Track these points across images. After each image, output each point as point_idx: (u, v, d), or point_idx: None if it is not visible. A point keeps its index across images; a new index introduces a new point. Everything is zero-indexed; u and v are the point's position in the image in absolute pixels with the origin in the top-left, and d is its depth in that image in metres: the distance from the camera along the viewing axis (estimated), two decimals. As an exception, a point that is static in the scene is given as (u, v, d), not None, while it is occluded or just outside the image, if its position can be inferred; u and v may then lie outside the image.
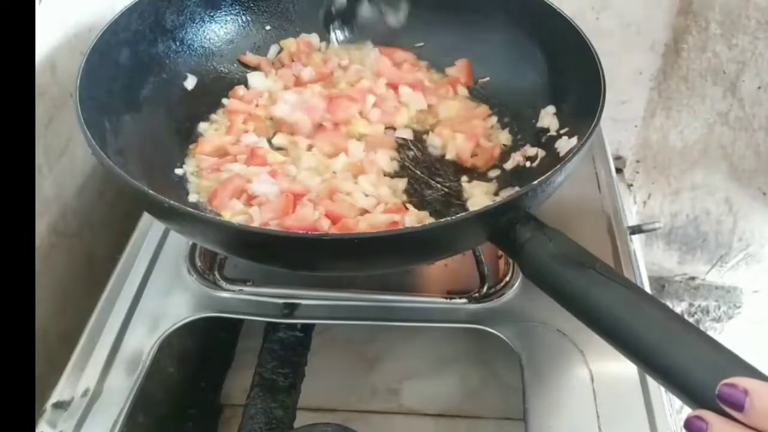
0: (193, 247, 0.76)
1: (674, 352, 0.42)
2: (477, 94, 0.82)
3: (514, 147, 0.76)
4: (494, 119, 0.79)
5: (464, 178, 0.73)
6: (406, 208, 0.68)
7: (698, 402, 0.40)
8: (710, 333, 0.42)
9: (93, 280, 0.74)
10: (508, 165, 0.74)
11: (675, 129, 1.21)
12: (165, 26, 0.76)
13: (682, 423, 0.40)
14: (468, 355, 0.83)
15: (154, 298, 0.71)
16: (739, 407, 0.37)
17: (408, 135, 0.78)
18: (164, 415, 0.75)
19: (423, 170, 0.75)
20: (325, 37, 0.86)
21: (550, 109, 0.74)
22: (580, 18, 0.71)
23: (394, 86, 0.81)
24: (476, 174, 0.74)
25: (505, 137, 0.77)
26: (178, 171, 0.72)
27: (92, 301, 0.70)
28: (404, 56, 0.85)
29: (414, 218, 0.67)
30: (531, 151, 0.73)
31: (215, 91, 0.80)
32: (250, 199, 0.67)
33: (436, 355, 0.84)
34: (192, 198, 0.69)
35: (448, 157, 0.76)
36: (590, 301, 0.47)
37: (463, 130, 0.76)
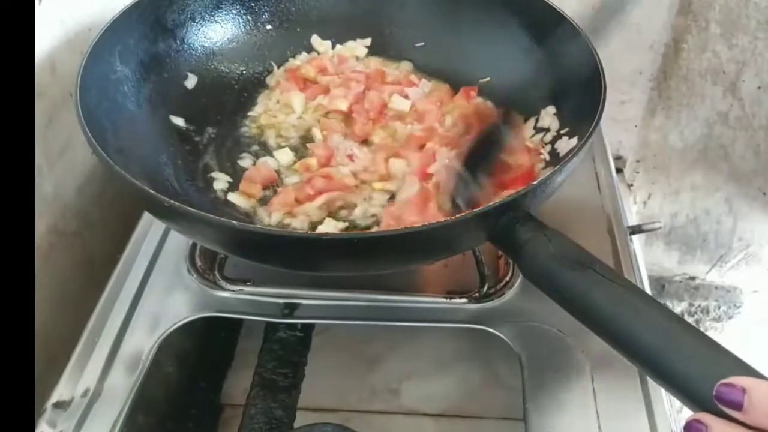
0: (193, 247, 0.76)
1: (672, 354, 0.42)
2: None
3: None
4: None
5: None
6: None
7: (696, 403, 0.40)
8: (710, 333, 0.42)
9: (93, 280, 0.74)
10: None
11: (675, 129, 1.21)
12: (166, 25, 0.76)
13: (682, 424, 0.39)
14: (468, 355, 0.83)
15: (154, 298, 0.71)
16: (738, 406, 0.37)
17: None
18: (164, 415, 0.75)
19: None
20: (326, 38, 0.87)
21: (551, 110, 0.74)
22: (580, 18, 0.71)
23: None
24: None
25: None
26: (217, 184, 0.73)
27: (92, 301, 0.70)
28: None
29: None
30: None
31: (216, 90, 0.80)
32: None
33: (436, 355, 0.83)
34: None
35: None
36: (589, 302, 0.47)
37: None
